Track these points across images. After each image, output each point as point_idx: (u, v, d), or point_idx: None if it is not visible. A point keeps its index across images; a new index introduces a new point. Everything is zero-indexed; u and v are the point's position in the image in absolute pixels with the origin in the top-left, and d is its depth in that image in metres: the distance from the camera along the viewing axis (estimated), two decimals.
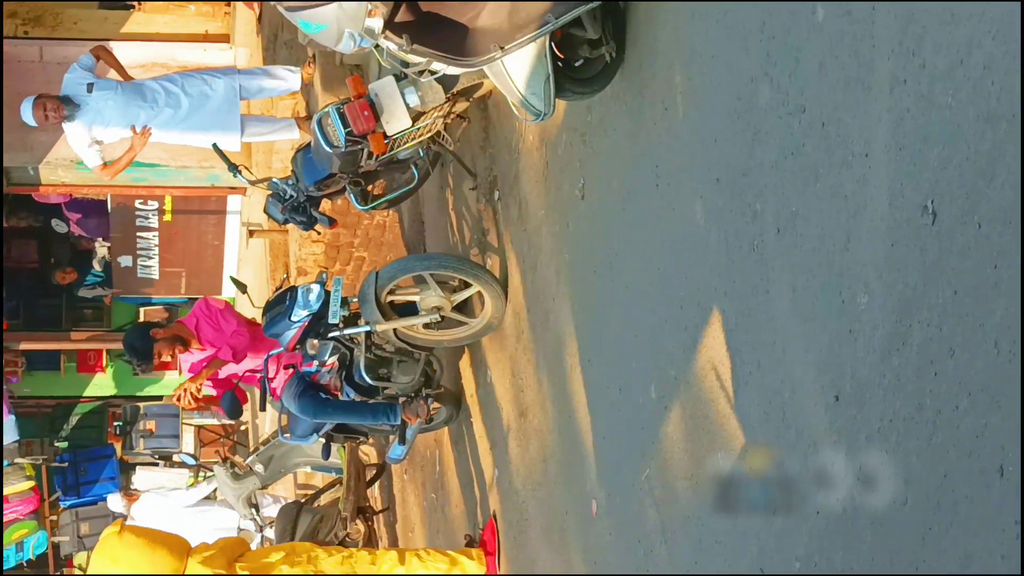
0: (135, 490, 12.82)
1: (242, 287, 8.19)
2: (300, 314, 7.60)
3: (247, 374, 9.24)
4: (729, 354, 4.34)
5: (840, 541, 3.61)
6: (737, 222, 4.26)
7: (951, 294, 3.10)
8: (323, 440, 8.47)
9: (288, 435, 8.43)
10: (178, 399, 8.51)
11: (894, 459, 3.33)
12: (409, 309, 7.48)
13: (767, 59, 3.98)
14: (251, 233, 11.74)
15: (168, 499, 12.14)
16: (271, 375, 7.95)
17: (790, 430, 3.91)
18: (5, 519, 12.36)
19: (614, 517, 5.50)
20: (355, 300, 7.44)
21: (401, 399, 7.73)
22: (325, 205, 8.16)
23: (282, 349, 7.73)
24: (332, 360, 7.64)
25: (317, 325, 7.57)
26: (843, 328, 3.59)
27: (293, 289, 7.80)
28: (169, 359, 8.23)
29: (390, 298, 7.38)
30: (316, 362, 7.65)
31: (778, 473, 4.01)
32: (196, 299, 13.62)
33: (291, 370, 7.76)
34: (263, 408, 8.15)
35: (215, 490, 12.46)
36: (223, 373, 9.09)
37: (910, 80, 3.21)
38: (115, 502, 12.91)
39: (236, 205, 12.08)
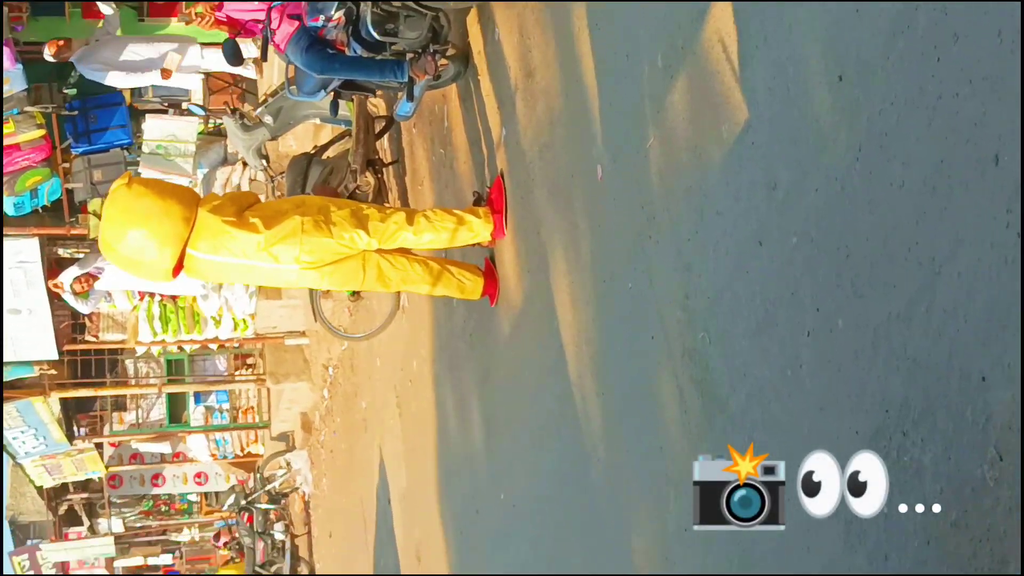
0: None
1: None
2: None
3: (250, 23, 9.12)
4: (736, 27, 4.30)
5: (838, 218, 3.68)
6: None
7: None
8: (331, 96, 8.46)
9: (295, 90, 8.42)
10: (190, 19, 8.33)
11: (893, 141, 3.36)
12: None
13: None
14: None
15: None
16: (274, 25, 7.83)
17: (793, 107, 3.92)
18: (18, 166, 12.50)
19: (618, 182, 5.56)
20: None
21: (408, 55, 7.68)
22: None
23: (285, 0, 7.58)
24: (338, 15, 7.54)
25: None
26: (850, 7, 3.56)
27: None
28: None
29: None
30: (322, 17, 7.56)
31: (778, 150, 4.04)
32: None
33: (296, 22, 7.66)
34: (264, 58, 8.03)
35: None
36: (231, 12, 8.96)
37: None
38: None
39: None
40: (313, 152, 10.34)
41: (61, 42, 12.71)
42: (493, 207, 7.44)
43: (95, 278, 14.08)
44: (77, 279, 14.36)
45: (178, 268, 7.05)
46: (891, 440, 3.41)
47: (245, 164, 13.65)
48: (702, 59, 4.58)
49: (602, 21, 5.67)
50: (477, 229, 7.35)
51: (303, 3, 7.57)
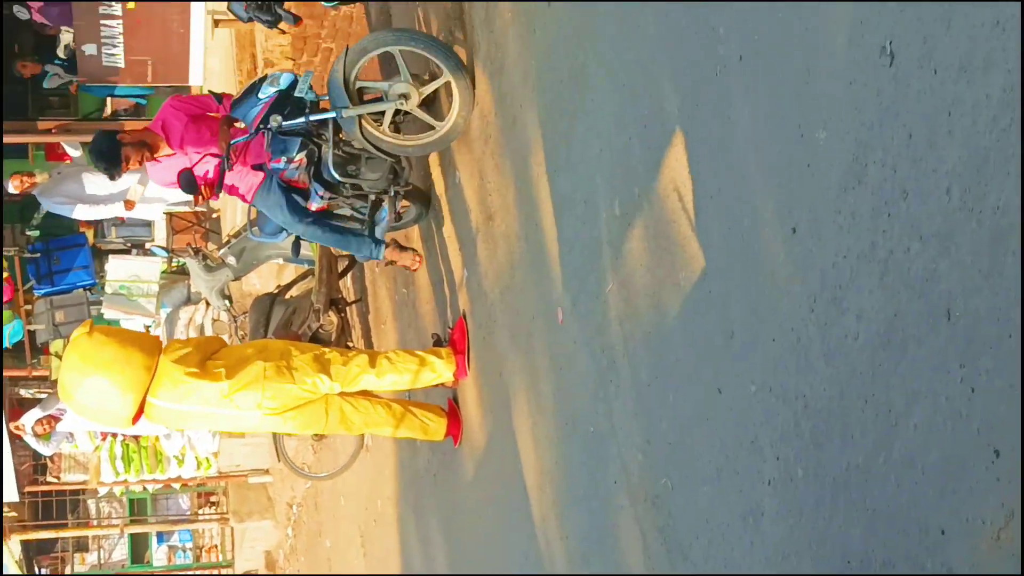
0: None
1: (218, 97, 8.07)
2: (268, 91, 7.52)
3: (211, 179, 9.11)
4: (691, 177, 4.37)
5: (794, 369, 3.71)
6: (701, 44, 4.26)
7: (906, 137, 3.14)
8: (293, 237, 8.50)
9: (257, 231, 8.44)
10: (201, 197, 8.12)
11: (847, 295, 3.41)
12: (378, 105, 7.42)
13: None
14: (216, 23, 11.57)
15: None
16: (232, 163, 7.76)
17: (748, 257, 3.97)
18: None
19: (579, 326, 5.60)
20: (325, 99, 7.38)
21: (371, 200, 7.77)
22: (289, 2, 8.07)
23: (247, 137, 7.54)
24: (300, 156, 7.60)
25: (283, 105, 7.50)
26: (802, 162, 3.62)
27: (263, 77, 7.74)
28: (137, 165, 7.90)
29: (359, 85, 7.31)
30: (284, 159, 7.62)
31: (735, 299, 4.09)
32: (163, 88, 13.53)
33: (260, 173, 7.68)
34: (216, 195, 7.96)
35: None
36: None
37: None
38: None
39: None
40: (276, 292, 10.37)
41: (25, 176, 12.76)
42: (456, 347, 7.46)
43: (57, 420, 13.99)
44: (39, 421, 14.28)
45: (138, 415, 7.03)
46: None
47: (208, 304, 13.66)
48: (658, 207, 4.64)
49: (561, 167, 5.75)
50: (440, 370, 7.37)
51: (265, 151, 7.61)
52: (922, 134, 3.07)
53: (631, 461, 5.05)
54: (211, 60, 12.53)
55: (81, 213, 12.83)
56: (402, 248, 7.90)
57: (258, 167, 7.60)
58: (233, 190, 7.86)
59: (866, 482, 3.34)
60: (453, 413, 7.73)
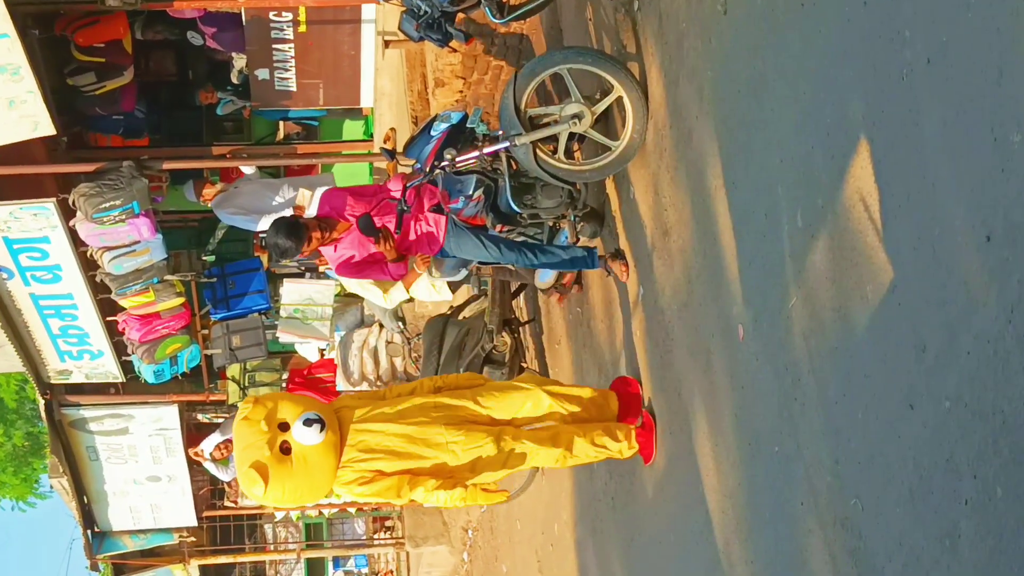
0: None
1: (391, 154, 8.12)
2: (440, 127, 7.57)
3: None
4: (877, 185, 4.22)
5: (991, 383, 3.54)
6: (886, 48, 4.11)
7: None
8: (473, 269, 8.55)
9: (436, 272, 8.45)
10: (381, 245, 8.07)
11: None
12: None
13: None
14: (387, 43, 11.63)
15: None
16: (409, 200, 7.78)
17: (940, 267, 3.81)
18: (159, 334, 12.66)
19: (761, 343, 5.47)
20: (497, 134, 7.37)
21: (550, 222, 7.77)
22: (460, 19, 8.07)
23: (422, 179, 7.56)
24: (478, 194, 7.62)
25: (455, 140, 7.51)
26: (995, 166, 3.46)
27: (435, 117, 7.78)
28: (319, 240, 7.85)
29: (530, 112, 7.27)
30: (462, 198, 7.63)
31: (926, 311, 3.93)
32: (335, 110, 13.67)
33: (440, 216, 7.69)
34: (398, 231, 7.96)
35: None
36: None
37: None
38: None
39: (371, 14, 11.86)
40: (449, 313, 10.40)
41: (208, 184, 12.96)
42: (643, 436, 7.33)
43: None
44: (217, 446, 14.51)
45: None
46: None
47: (382, 326, 13.75)
48: (843, 218, 4.50)
49: (739, 180, 5.63)
50: (624, 455, 7.36)
51: (439, 190, 7.62)
52: None
53: (819, 481, 4.90)
54: (382, 81, 12.61)
55: (264, 224, 12.92)
56: (615, 255, 7.81)
57: (436, 209, 7.61)
58: (414, 247, 7.83)
59: None
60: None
